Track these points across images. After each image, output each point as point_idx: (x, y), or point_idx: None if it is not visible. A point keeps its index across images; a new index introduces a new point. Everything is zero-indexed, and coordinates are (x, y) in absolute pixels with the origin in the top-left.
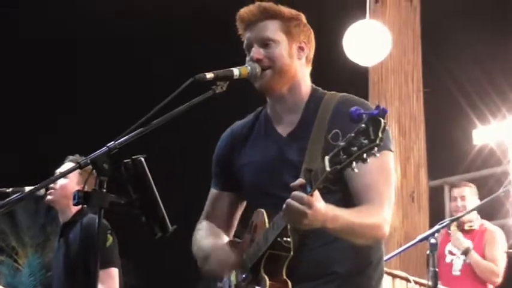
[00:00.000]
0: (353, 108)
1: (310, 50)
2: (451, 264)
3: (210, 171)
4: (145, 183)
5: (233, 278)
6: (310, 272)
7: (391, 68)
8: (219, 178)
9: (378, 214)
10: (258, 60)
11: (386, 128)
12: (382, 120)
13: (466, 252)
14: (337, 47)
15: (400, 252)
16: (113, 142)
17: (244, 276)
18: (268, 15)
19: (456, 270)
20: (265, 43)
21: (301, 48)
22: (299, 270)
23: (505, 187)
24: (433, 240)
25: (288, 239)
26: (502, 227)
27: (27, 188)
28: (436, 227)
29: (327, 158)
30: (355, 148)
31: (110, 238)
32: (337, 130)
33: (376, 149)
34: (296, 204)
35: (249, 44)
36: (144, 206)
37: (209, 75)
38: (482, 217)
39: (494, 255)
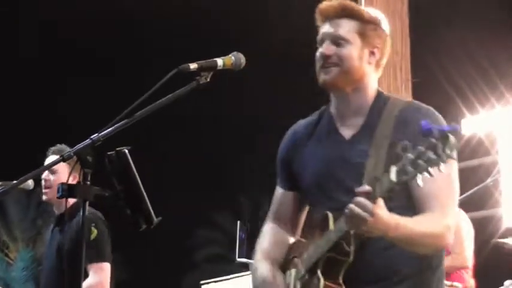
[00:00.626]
0: (424, 122)
1: (383, 55)
2: None
3: (197, 162)
4: (129, 176)
5: (294, 274)
6: (368, 278)
7: None
8: (283, 178)
9: (440, 223)
10: (327, 57)
11: (456, 144)
12: (452, 138)
13: None
14: None
15: None
16: (96, 134)
17: (301, 274)
18: (347, 13)
19: None
20: (337, 41)
21: (372, 53)
22: (358, 274)
23: (493, 176)
24: None
25: (349, 244)
26: (491, 217)
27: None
28: None
29: (394, 168)
30: (423, 162)
31: (94, 231)
32: (407, 141)
33: (442, 164)
34: (359, 210)
35: (322, 39)
36: (128, 198)
37: (193, 65)
38: (471, 207)
39: (458, 241)
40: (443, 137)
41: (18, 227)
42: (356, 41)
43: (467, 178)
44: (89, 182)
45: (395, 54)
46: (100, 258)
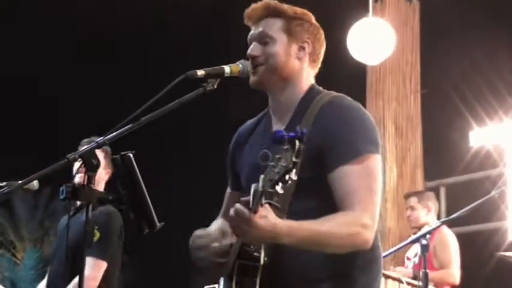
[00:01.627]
0: (276, 130)
1: (315, 49)
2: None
3: (199, 167)
4: (133, 179)
5: (221, 282)
6: (284, 283)
7: (389, 68)
8: (229, 178)
9: (355, 221)
10: (253, 57)
11: (301, 147)
12: (297, 142)
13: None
14: (334, 47)
15: (392, 252)
16: (102, 138)
17: (226, 283)
18: (270, 12)
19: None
20: (263, 40)
21: (301, 48)
22: (274, 280)
23: (498, 188)
24: (424, 242)
25: (258, 249)
26: (497, 230)
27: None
28: (427, 228)
29: (261, 177)
30: (278, 170)
31: (97, 234)
32: (265, 151)
33: (293, 172)
34: (237, 221)
35: (250, 41)
36: (131, 202)
37: (200, 72)
38: (477, 220)
39: (446, 258)
40: (290, 143)
41: (25, 227)
42: (281, 37)
43: (475, 190)
44: (93, 185)
45: (405, 64)
46: (102, 257)
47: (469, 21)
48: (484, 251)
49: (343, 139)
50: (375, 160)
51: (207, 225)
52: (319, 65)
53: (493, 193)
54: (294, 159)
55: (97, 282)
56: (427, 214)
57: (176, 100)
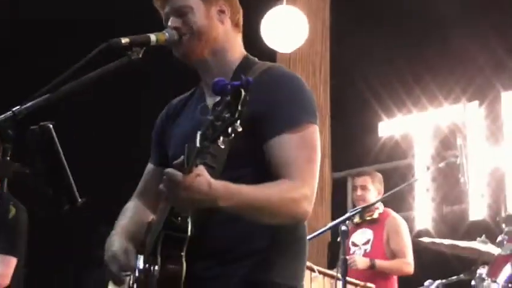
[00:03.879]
0: (217, 79)
1: (235, 13)
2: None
3: (127, 140)
4: (53, 151)
5: (140, 262)
6: (208, 253)
7: (298, 58)
8: (154, 153)
9: (295, 189)
10: (176, 29)
11: (247, 97)
12: (243, 91)
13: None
14: (247, 33)
15: (314, 236)
16: (18, 107)
17: (146, 259)
18: None
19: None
20: (180, 12)
21: (221, 11)
22: (199, 250)
23: (409, 181)
24: (344, 228)
25: (182, 218)
26: (406, 219)
27: None
28: (347, 214)
29: (199, 132)
30: (220, 123)
31: (13, 210)
32: (204, 103)
33: (237, 123)
34: (169, 184)
35: (166, 19)
36: (51, 175)
37: (124, 40)
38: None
39: (401, 245)
40: (235, 92)
41: None
42: (198, 4)
43: (383, 181)
44: (8, 158)
45: (314, 54)
46: (10, 251)
47: (379, 12)
48: None
49: (283, 107)
50: (314, 130)
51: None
52: (241, 32)
53: (404, 185)
54: (239, 107)
55: (8, 280)
56: (376, 197)
57: (98, 69)
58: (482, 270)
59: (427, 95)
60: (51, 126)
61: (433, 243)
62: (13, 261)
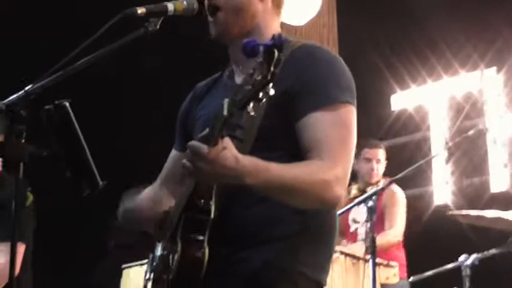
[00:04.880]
0: (247, 40)
1: None
2: (355, 234)
3: (154, 119)
4: (70, 132)
5: (158, 249)
6: (231, 237)
7: (305, 31)
8: (179, 138)
9: (326, 170)
10: (209, 3)
11: (281, 58)
12: (276, 51)
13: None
14: None
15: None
16: (31, 85)
17: (165, 246)
18: None
19: (361, 240)
20: None
21: None
22: (222, 234)
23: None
24: (371, 203)
25: (207, 199)
26: (423, 195)
27: None
28: (374, 189)
29: (226, 100)
30: (249, 86)
31: (30, 196)
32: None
33: (270, 86)
34: (192, 158)
35: None
36: (69, 158)
37: (140, 10)
38: (403, 185)
39: (392, 216)
40: (267, 53)
41: None
42: None
43: (398, 155)
44: (23, 140)
45: (322, 26)
46: (20, 239)
47: None
48: (410, 215)
49: (316, 84)
50: (351, 111)
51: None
52: (281, 13)
53: (422, 161)
54: (272, 68)
55: (18, 268)
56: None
57: (115, 42)
58: None
59: (441, 63)
60: (67, 104)
61: (464, 216)
62: (22, 247)
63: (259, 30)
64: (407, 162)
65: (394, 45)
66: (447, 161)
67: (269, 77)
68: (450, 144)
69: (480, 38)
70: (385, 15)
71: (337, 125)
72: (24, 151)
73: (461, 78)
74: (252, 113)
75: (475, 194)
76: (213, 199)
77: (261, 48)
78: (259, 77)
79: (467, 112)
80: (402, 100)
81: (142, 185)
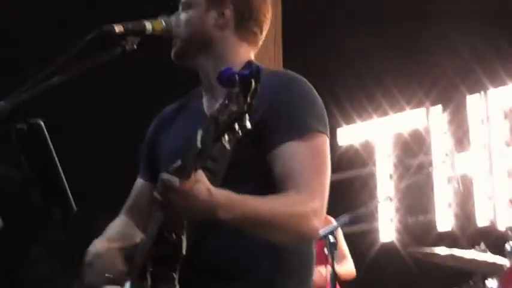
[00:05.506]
0: (224, 68)
1: (243, 15)
2: None
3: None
4: (44, 153)
5: (127, 285)
6: (203, 273)
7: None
8: (144, 166)
9: (303, 202)
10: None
11: (258, 88)
12: (253, 81)
13: None
14: None
15: None
16: (2, 102)
17: (134, 281)
18: None
19: None
20: (185, 6)
21: (222, 14)
22: (194, 270)
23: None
24: (332, 239)
25: (179, 234)
26: (369, 232)
27: None
28: (334, 224)
29: (199, 131)
30: (225, 117)
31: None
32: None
33: (246, 117)
34: (164, 191)
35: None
36: (41, 180)
37: (118, 28)
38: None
39: (344, 249)
40: (243, 82)
41: None
42: (198, 4)
43: (345, 190)
44: None
45: (268, 59)
46: None
47: (340, 14)
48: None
49: (289, 113)
50: (325, 141)
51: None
52: (259, 36)
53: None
54: (249, 99)
55: None
56: None
57: (89, 60)
58: (492, 283)
59: (387, 99)
60: (42, 123)
61: (425, 253)
62: None
63: (219, 55)
64: (354, 197)
65: (340, 79)
66: (391, 199)
67: (245, 108)
68: (391, 197)
69: (426, 76)
70: (331, 50)
71: (312, 156)
72: None
73: (407, 115)
74: (227, 146)
75: (421, 232)
76: (185, 233)
77: (237, 78)
78: (235, 108)
79: (413, 149)
80: (348, 135)
81: (108, 216)
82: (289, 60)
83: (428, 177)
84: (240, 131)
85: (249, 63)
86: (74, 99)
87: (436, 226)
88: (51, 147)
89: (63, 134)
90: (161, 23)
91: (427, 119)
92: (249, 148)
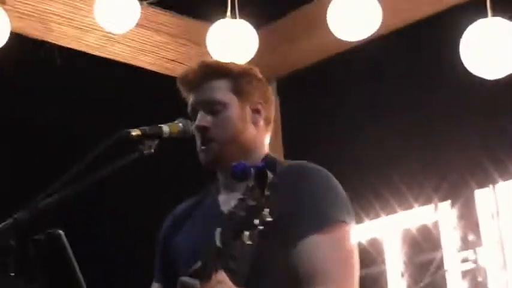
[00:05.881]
0: (235, 163)
1: (269, 110)
2: None
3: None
4: (65, 266)
5: None
6: None
7: None
8: (158, 270)
9: None
10: (204, 129)
11: (275, 180)
12: (269, 173)
13: None
14: None
15: None
16: (20, 212)
17: None
18: (213, 73)
19: None
20: (212, 108)
21: (256, 111)
22: None
23: None
24: None
25: None
26: None
27: None
28: None
29: (218, 230)
30: (243, 213)
31: None
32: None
33: (265, 211)
34: None
35: (193, 110)
36: None
37: (135, 132)
38: None
39: None
40: (258, 175)
41: None
42: (233, 101)
43: None
44: (12, 274)
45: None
46: None
47: (335, 115)
48: None
49: (311, 205)
50: (348, 230)
51: None
52: (270, 130)
53: None
54: (266, 192)
55: None
56: None
57: (107, 167)
58: None
59: (395, 197)
60: (61, 233)
61: None
62: None
63: (249, 151)
64: None
65: (345, 180)
66: None
67: (263, 202)
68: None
69: (433, 171)
70: (336, 149)
71: (337, 248)
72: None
73: (415, 212)
74: (248, 242)
75: None
76: None
77: (252, 171)
78: (253, 203)
79: (422, 245)
80: (356, 234)
81: None
82: (289, 154)
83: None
84: (259, 226)
85: (267, 157)
86: (90, 206)
87: None
88: (72, 258)
89: (82, 245)
90: (178, 125)
91: (436, 214)
92: (269, 243)
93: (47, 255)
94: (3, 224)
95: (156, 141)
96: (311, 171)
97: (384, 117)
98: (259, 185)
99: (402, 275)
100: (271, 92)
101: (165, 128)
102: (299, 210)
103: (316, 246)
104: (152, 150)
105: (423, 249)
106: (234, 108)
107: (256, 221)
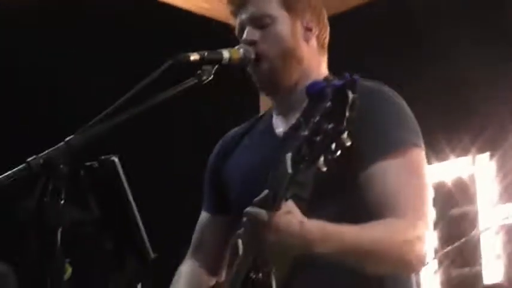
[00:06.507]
0: (311, 82)
1: (323, 31)
2: None
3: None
4: (119, 193)
5: None
6: None
7: None
8: (208, 198)
9: (406, 230)
10: (252, 43)
11: (356, 100)
12: (350, 93)
13: None
14: None
15: None
16: (72, 136)
17: None
18: None
19: None
20: (260, 22)
21: (308, 29)
22: None
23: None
24: None
25: (265, 273)
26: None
27: None
28: None
29: (288, 155)
30: (320, 137)
31: (69, 269)
32: (301, 118)
33: (345, 134)
34: (251, 227)
35: (241, 29)
36: (115, 226)
37: (193, 56)
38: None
39: None
40: (338, 94)
41: None
42: (283, 15)
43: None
44: (62, 201)
45: None
46: None
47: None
48: None
49: (383, 127)
50: (421, 154)
51: None
52: (326, 54)
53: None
54: (348, 113)
55: None
56: None
57: (164, 92)
58: None
59: (431, 147)
60: (116, 160)
61: None
62: None
63: (305, 75)
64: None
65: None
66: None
67: (345, 125)
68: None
69: (472, 121)
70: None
71: (410, 174)
72: (65, 215)
73: (451, 164)
74: (324, 169)
75: (467, 286)
76: (273, 271)
77: (329, 90)
78: (331, 125)
79: (457, 199)
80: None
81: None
82: None
83: (474, 228)
84: (338, 151)
85: (326, 79)
86: (145, 133)
87: (482, 279)
88: (126, 187)
89: (137, 172)
90: (239, 51)
91: (473, 167)
92: (338, 168)
93: (100, 182)
94: (53, 147)
95: (215, 67)
96: (387, 93)
97: (421, 69)
98: (338, 106)
99: (434, 229)
100: (325, 16)
101: (225, 53)
102: (370, 132)
103: (388, 171)
104: (211, 76)
105: (457, 203)
106: (284, 22)
107: (334, 146)
